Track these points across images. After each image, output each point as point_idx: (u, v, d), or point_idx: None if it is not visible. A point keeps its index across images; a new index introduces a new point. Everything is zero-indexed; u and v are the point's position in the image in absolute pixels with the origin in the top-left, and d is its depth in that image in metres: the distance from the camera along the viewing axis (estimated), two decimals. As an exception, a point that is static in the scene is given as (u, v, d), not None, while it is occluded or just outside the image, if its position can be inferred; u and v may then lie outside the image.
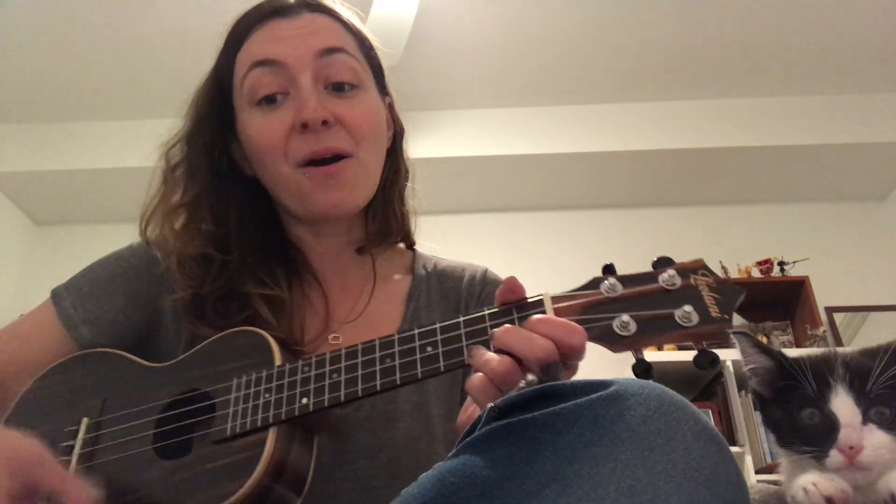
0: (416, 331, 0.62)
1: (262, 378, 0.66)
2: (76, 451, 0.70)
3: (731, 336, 0.62)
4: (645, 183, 3.39)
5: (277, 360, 0.68)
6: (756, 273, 3.15)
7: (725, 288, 0.58)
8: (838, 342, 3.03)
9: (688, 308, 0.55)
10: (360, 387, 0.61)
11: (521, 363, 0.54)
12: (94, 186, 3.34)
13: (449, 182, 3.28)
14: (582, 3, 2.78)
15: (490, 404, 0.49)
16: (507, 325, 0.57)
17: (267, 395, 0.64)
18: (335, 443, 0.74)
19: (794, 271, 3.13)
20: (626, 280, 0.58)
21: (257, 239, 0.84)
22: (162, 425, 0.69)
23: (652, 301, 0.56)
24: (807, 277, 3.06)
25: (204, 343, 0.75)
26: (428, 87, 3.16)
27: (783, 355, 0.64)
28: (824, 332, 2.99)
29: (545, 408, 0.46)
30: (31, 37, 2.87)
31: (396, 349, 0.62)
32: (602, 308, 0.57)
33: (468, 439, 0.48)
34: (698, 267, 0.59)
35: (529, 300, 0.60)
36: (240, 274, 0.80)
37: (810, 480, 0.56)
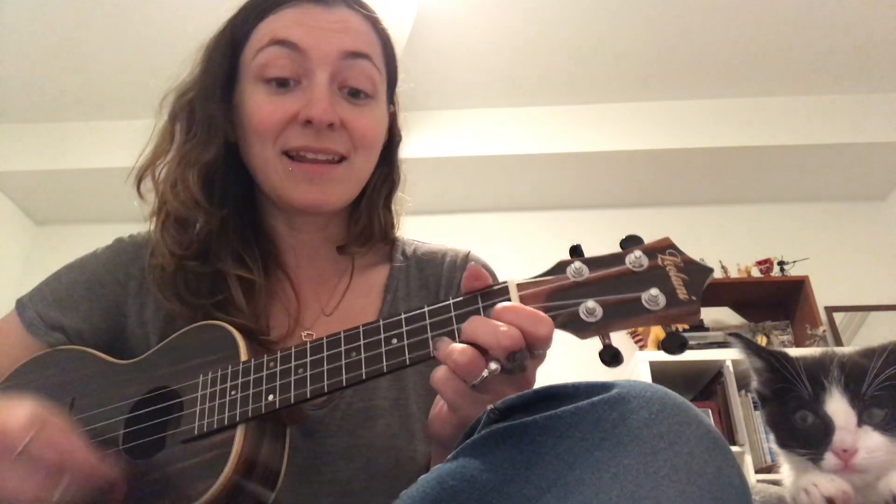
0: (381, 322, 0.60)
1: (228, 374, 0.65)
2: None
3: (728, 338, 0.62)
4: (645, 183, 3.39)
5: (243, 355, 0.66)
6: (756, 273, 3.15)
7: (693, 268, 0.56)
8: (838, 342, 3.03)
9: (654, 291, 0.53)
10: (325, 382, 0.60)
11: (486, 353, 0.54)
12: (94, 186, 3.34)
13: (448, 182, 3.28)
14: (581, 4, 2.78)
15: (490, 406, 0.49)
16: (473, 317, 0.55)
17: (233, 393, 0.63)
18: (312, 445, 0.73)
19: (793, 271, 3.13)
20: (593, 263, 0.57)
21: (236, 217, 0.81)
22: (131, 424, 0.68)
23: (618, 284, 0.55)
24: (807, 277, 3.06)
25: (170, 338, 0.73)
26: (427, 87, 3.16)
27: (776, 356, 0.64)
28: (824, 331, 2.98)
29: (545, 410, 0.45)
30: (31, 37, 2.86)
31: (362, 342, 0.60)
32: (568, 293, 0.56)
33: (467, 441, 0.47)
34: (666, 246, 0.58)
35: (494, 287, 0.59)
36: (219, 247, 0.78)
37: (811, 481, 0.56)
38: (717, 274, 3.16)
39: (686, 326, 2.91)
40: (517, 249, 3.34)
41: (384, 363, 0.58)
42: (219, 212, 0.78)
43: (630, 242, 0.57)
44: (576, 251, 0.58)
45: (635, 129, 3.25)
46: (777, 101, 3.26)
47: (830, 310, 3.13)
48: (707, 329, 3.02)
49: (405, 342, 0.58)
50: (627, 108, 3.30)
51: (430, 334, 0.57)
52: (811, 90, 3.23)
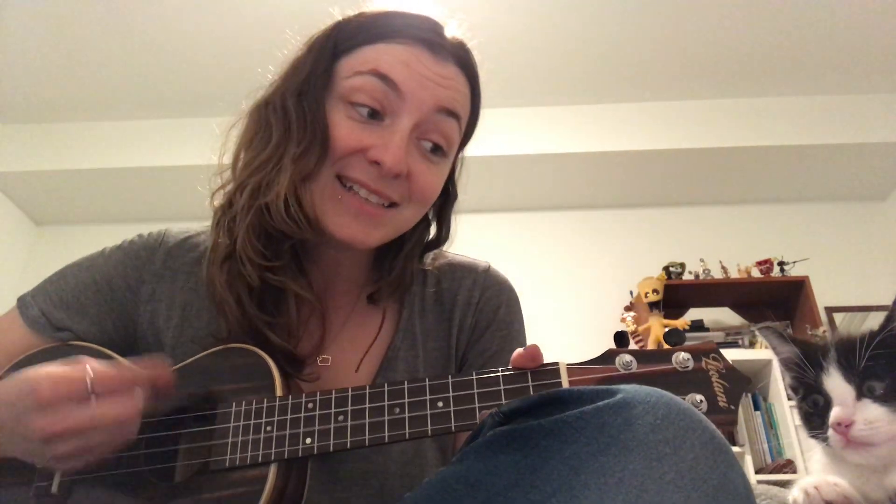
0: (428, 383, 0.61)
1: (264, 409, 0.64)
2: None
3: (756, 332, 0.63)
4: (645, 183, 3.39)
5: (279, 390, 0.66)
6: (756, 273, 3.15)
7: (733, 376, 0.59)
8: (838, 342, 3.03)
9: (698, 397, 0.57)
10: (367, 436, 0.60)
11: None
12: (94, 186, 3.34)
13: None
14: (586, 5, 2.78)
15: (493, 409, 0.49)
16: None
17: (269, 429, 0.63)
18: (328, 469, 0.73)
19: (794, 271, 3.13)
20: (641, 357, 0.60)
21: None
22: (154, 444, 0.67)
23: (665, 383, 0.57)
24: (807, 277, 3.06)
25: (200, 356, 0.71)
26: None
27: (804, 341, 0.64)
28: (824, 331, 2.98)
29: (550, 414, 0.45)
30: (31, 37, 2.86)
31: (406, 400, 0.61)
32: (617, 384, 0.58)
33: (472, 445, 0.47)
34: (710, 350, 0.61)
35: (545, 367, 0.60)
36: (285, 262, 0.74)
37: (812, 483, 0.56)
38: (717, 274, 3.16)
39: (687, 325, 2.91)
40: (519, 250, 3.34)
41: (429, 427, 0.59)
42: (320, 230, 0.73)
43: (674, 337, 0.61)
44: (621, 339, 0.61)
45: (636, 129, 3.25)
46: (777, 101, 3.26)
47: (830, 310, 3.13)
48: (707, 329, 3.02)
49: (451, 409, 0.59)
50: (628, 108, 3.30)
51: (477, 405, 0.59)
52: (811, 90, 3.23)
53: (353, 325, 0.83)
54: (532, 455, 0.44)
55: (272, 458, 0.61)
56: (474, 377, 0.60)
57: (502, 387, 0.60)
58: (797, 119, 3.21)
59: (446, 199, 0.87)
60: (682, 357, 0.59)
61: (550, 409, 0.46)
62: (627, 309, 3.11)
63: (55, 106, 3.25)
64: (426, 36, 0.75)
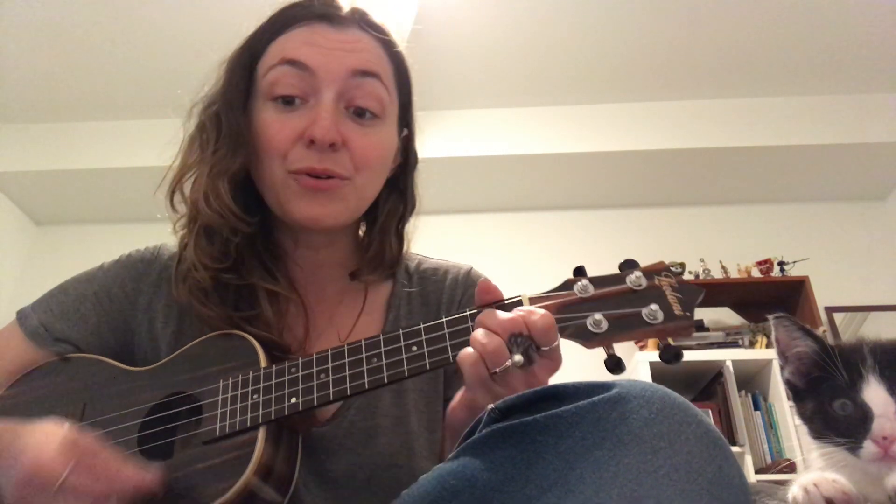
0: (402, 331, 0.64)
1: (249, 379, 0.67)
2: None
3: (771, 320, 0.63)
4: (645, 183, 3.39)
5: (263, 363, 0.68)
6: (756, 273, 3.14)
7: (686, 288, 0.62)
8: (838, 342, 3.03)
9: (654, 307, 0.59)
10: (348, 385, 0.63)
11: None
12: (94, 186, 3.34)
13: (449, 182, 3.28)
14: (581, 4, 2.78)
15: (490, 406, 0.50)
16: (486, 310, 0.60)
17: (255, 396, 0.65)
18: (316, 462, 0.74)
19: (793, 271, 3.12)
20: (597, 281, 0.63)
21: (261, 229, 0.81)
22: (147, 428, 0.68)
23: (621, 301, 0.61)
24: (807, 277, 3.06)
25: (187, 346, 0.74)
26: (428, 86, 3.14)
27: (823, 339, 0.63)
28: (824, 332, 2.98)
29: (546, 410, 0.46)
30: (31, 37, 2.86)
31: (383, 349, 0.64)
32: (576, 308, 0.61)
33: (468, 441, 0.48)
34: (661, 269, 0.63)
35: (508, 301, 0.63)
36: (250, 260, 0.78)
37: (811, 481, 0.56)
38: (717, 274, 3.16)
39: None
40: (518, 250, 3.34)
41: (405, 367, 0.62)
42: (251, 220, 0.77)
43: (628, 265, 0.63)
44: (580, 271, 0.64)
45: (636, 129, 3.25)
46: (777, 101, 3.26)
47: (830, 310, 3.13)
48: (707, 329, 3.02)
49: (425, 349, 0.62)
50: (628, 108, 3.30)
51: (448, 343, 0.62)
52: (811, 90, 3.23)
53: (342, 311, 0.85)
54: (528, 450, 0.44)
55: (260, 420, 0.63)
56: (444, 320, 0.63)
57: (470, 324, 0.62)
58: (797, 119, 3.21)
59: (406, 166, 0.89)
60: (634, 277, 0.61)
61: (546, 404, 0.47)
62: (627, 309, 3.10)
63: (55, 106, 3.25)
64: (321, 11, 0.79)
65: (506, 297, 0.64)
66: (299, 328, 0.81)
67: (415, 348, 0.62)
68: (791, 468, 2.49)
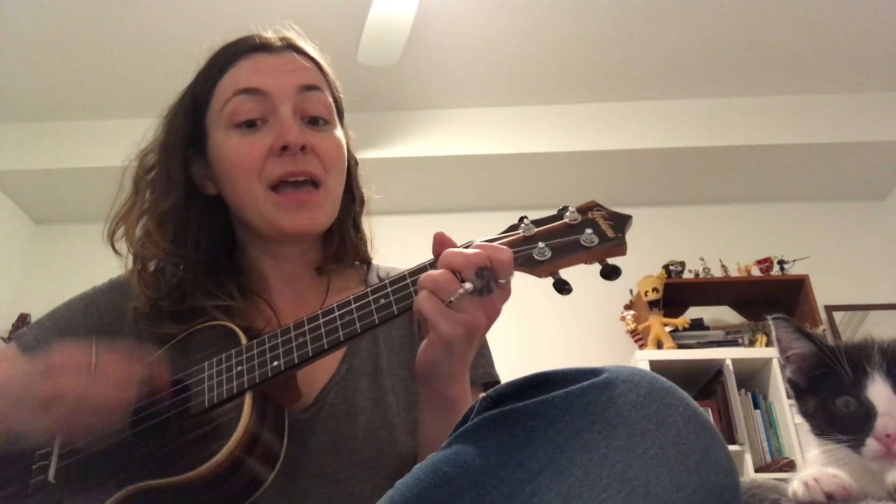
0: (369, 289, 0.69)
1: (232, 355, 0.72)
2: (55, 451, 0.72)
3: (770, 321, 0.65)
4: (644, 182, 3.39)
5: (244, 341, 0.73)
6: (756, 272, 3.15)
7: (616, 216, 0.68)
8: (838, 341, 3.04)
9: (589, 230, 0.65)
10: (325, 340, 0.67)
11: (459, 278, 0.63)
12: (94, 186, 3.33)
13: (448, 181, 3.29)
14: (581, 3, 2.78)
15: (482, 394, 0.51)
16: (447, 250, 0.66)
17: (239, 367, 0.70)
18: (298, 447, 0.76)
19: (793, 270, 3.13)
20: (539, 222, 0.69)
21: (210, 258, 0.89)
22: (139, 413, 0.72)
23: (561, 232, 0.67)
24: (806, 276, 3.06)
25: (170, 343, 0.79)
26: (427, 86, 3.16)
27: (821, 340, 0.63)
28: (824, 331, 2.99)
29: (537, 396, 0.47)
30: (31, 37, 2.87)
31: (353, 306, 0.69)
32: (522, 243, 0.67)
33: (461, 429, 0.49)
34: (593, 205, 0.70)
35: (461, 247, 0.68)
36: (194, 289, 0.85)
37: (811, 475, 0.56)
38: (717, 273, 3.16)
39: (687, 324, 2.91)
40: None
41: (375, 316, 0.67)
42: (193, 256, 0.87)
43: (564, 208, 0.70)
44: (522, 218, 0.70)
45: (635, 128, 3.25)
46: (777, 101, 3.26)
47: (830, 309, 3.14)
48: (707, 328, 3.03)
49: (392, 299, 0.67)
50: (627, 107, 3.30)
51: (412, 289, 0.67)
52: (811, 90, 3.23)
53: (315, 305, 0.89)
54: (519, 435, 0.45)
55: (245, 385, 0.68)
56: (407, 271, 0.69)
57: (430, 271, 0.67)
58: (797, 118, 3.21)
59: (349, 168, 0.97)
60: (570, 214, 0.68)
61: (536, 391, 0.48)
62: (627, 308, 3.11)
63: (55, 105, 3.25)
64: (259, 43, 0.89)
65: (458, 244, 0.70)
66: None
67: (382, 300, 0.68)
68: (791, 466, 2.50)
